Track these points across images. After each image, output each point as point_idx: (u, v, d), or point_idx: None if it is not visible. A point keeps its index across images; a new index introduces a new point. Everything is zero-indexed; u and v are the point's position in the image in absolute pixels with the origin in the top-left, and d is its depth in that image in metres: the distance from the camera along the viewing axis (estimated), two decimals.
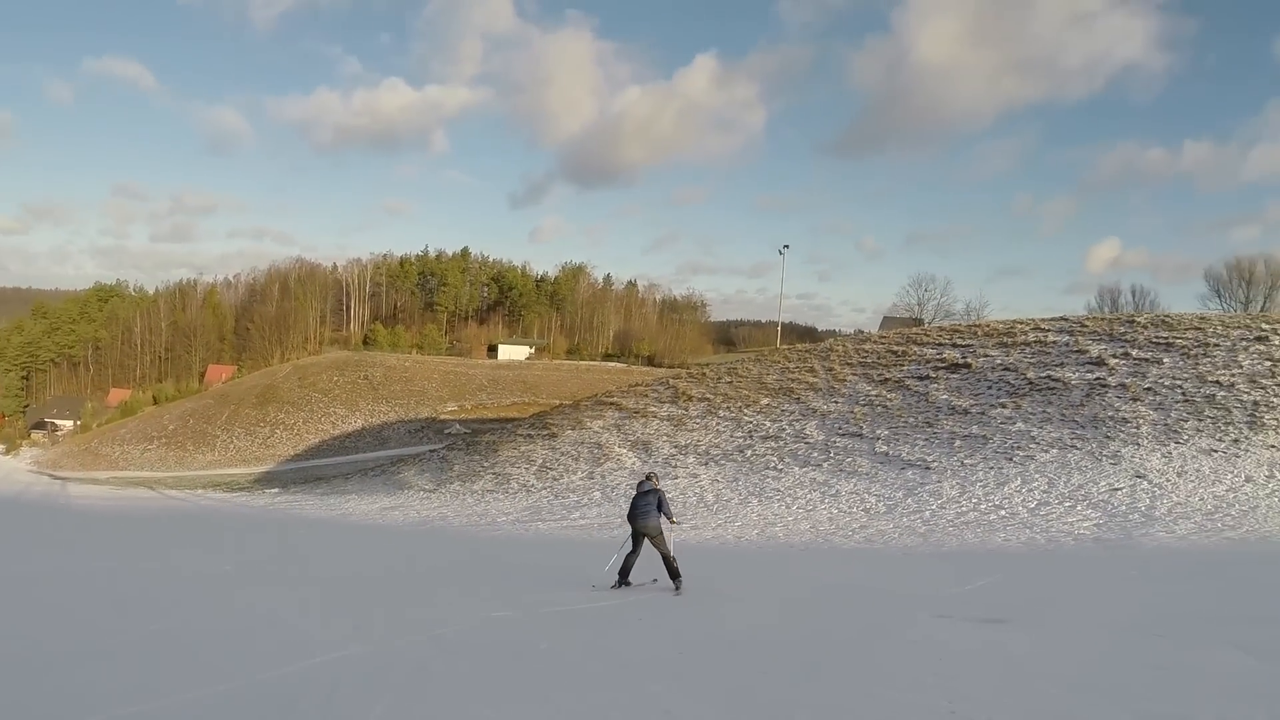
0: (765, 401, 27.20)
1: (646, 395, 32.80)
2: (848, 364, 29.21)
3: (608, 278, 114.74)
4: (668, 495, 9.45)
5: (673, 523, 8.85)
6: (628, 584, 8.84)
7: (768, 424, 25.13)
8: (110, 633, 6.11)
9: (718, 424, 26.56)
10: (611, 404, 33.09)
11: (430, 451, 44.64)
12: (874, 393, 25.58)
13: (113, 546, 14.64)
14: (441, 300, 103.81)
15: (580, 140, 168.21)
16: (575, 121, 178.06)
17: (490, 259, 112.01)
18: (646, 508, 8.62)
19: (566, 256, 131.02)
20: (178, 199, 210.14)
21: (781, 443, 23.01)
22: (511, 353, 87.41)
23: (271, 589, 8.82)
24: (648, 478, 9.15)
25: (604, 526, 17.12)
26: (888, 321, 56.48)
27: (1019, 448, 18.53)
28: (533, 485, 26.28)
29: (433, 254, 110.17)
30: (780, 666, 5.12)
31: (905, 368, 27.23)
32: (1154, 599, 7.65)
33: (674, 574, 8.51)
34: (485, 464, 31.45)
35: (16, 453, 78.56)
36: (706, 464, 22.82)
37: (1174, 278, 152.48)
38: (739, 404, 27.83)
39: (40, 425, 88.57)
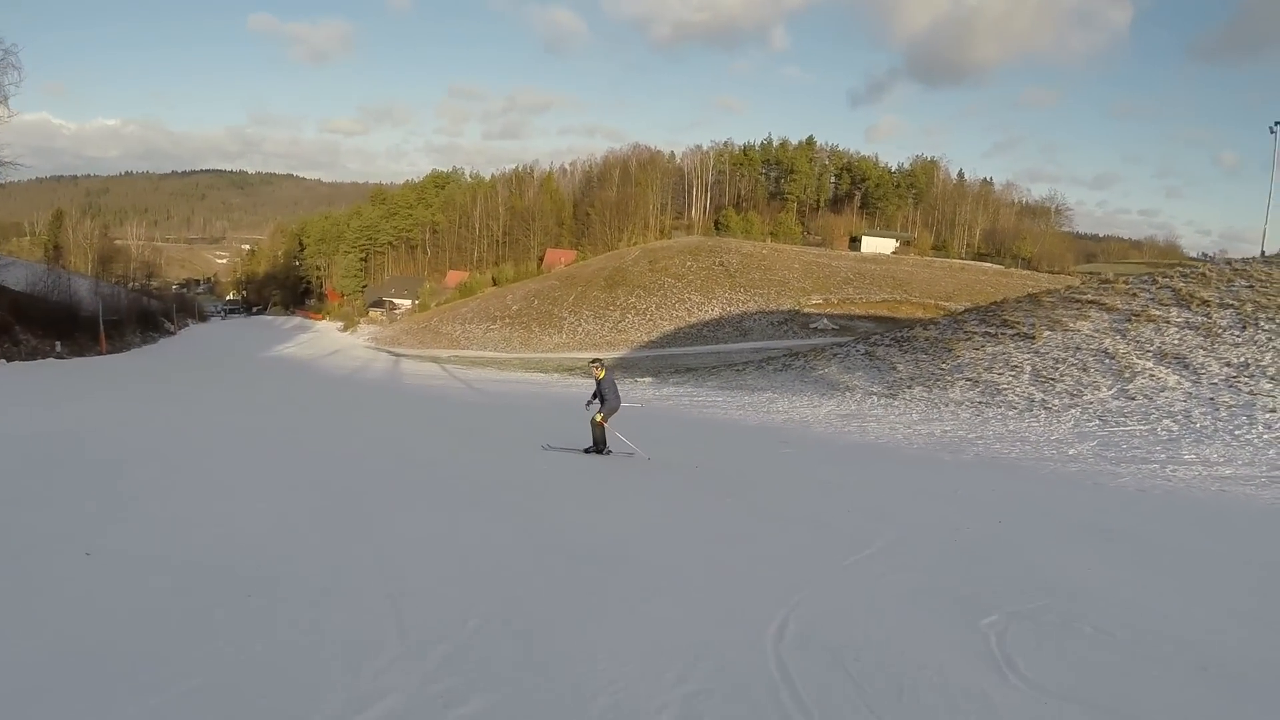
0: None
1: (1135, 295, 30.36)
2: None
3: (960, 173, 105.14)
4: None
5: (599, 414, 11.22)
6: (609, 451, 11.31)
7: None
8: None
9: (1273, 340, 24.07)
10: (1091, 302, 31.23)
11: (836, 345, 39.34)
12: None
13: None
14: (790, 189, 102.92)
15: (929, 36, 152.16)
16: (925, 16, 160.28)
17: (839, 148, 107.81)
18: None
19: (904, 155, 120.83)
20: (512, 98, 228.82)
21: None
22: (876, 245, 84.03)
23: None
24: (598, 362, 11.72)
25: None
26: None
27: None
28: (1047, 401, 20.58)
29: (776, 142, 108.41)
30: None
31: None
32: None
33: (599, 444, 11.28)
34: (943, 367, 27.79)
35: (354, 329, 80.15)
36: None
37: None
38: None
39: (378, 304, 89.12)
